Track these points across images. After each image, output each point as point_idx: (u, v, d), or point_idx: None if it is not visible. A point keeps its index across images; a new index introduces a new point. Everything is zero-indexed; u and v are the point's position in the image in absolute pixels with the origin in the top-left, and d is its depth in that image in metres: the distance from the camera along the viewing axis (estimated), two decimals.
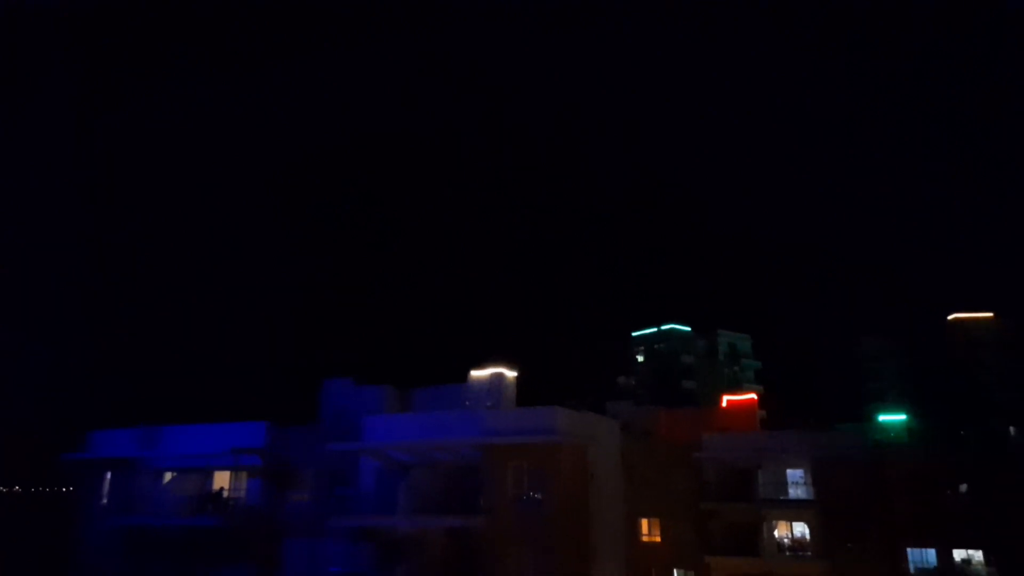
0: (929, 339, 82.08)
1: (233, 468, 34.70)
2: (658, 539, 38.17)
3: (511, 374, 37.12)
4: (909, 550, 40.42)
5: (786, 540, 37.78)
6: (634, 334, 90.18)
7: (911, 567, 40.19)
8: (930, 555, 40.51)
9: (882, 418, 59.79)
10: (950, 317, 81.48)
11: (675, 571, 37.60)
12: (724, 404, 47.24)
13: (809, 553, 36.24)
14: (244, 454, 33.67)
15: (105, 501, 36.28)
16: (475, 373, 37.16)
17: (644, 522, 38.51)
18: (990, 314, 79.72)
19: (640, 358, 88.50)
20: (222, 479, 35.26)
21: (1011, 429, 67.57)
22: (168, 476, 36.47)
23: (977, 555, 40.33)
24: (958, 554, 40.58)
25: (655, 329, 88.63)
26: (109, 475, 36.71)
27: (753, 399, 47.86)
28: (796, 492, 37.55)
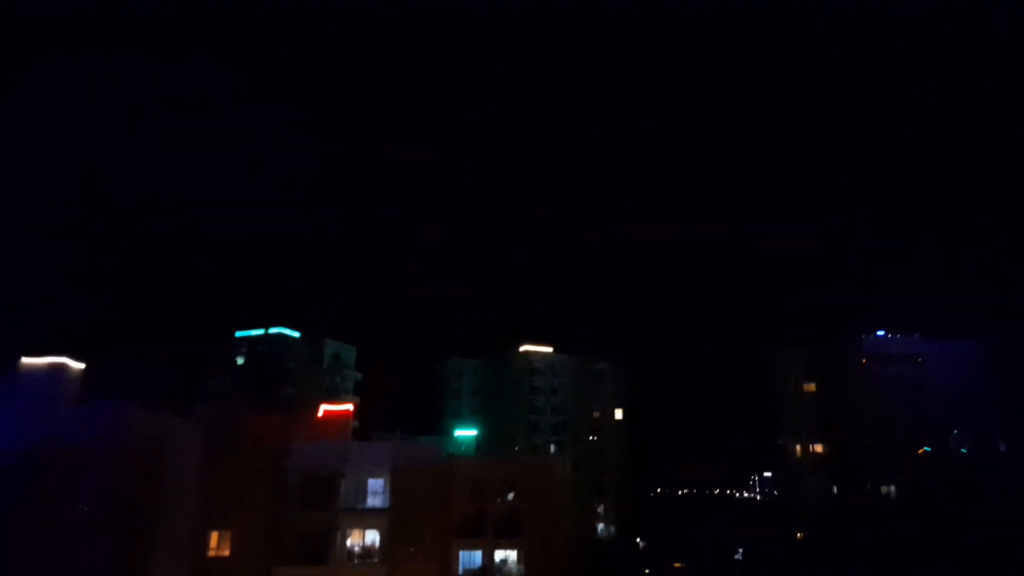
0: (501, 365, 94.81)
1: None
2: (227, 553, 36.32)
3: (77, 366, 32.01)
4: (461, 552, 45.69)
5: (357, 548, 39.35)
6: (238, 334, 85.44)
7: (460, 568, 45.47)
8: (476, 556, 46.47)
9: (457, 432, 67.03)
10: (521, 348, 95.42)
11: None
12: (321, 413, 47.59)
13: (375, 559, 38.30)
14: None
15: None
16: (27, 361, 31.11)
17: (215, 535, 36.30)
18: (550, 348, 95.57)
19: (240, 360, 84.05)
20: None
21: (552, 446, 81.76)
22: None
23: (512, 555, 47.58)
24: (499, 555, 47.34)
25: (262, 331, 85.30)
26: None
27: (349, 410, 49.26)
28: (375, 501, 39.54)
